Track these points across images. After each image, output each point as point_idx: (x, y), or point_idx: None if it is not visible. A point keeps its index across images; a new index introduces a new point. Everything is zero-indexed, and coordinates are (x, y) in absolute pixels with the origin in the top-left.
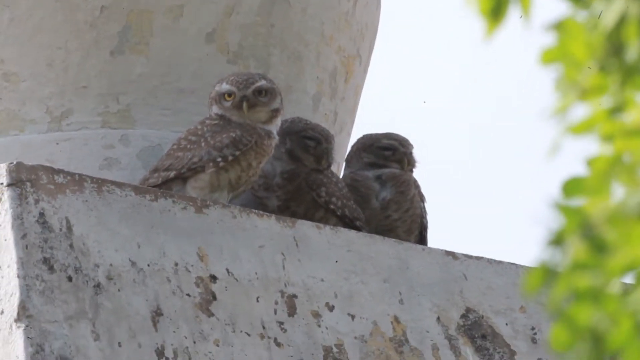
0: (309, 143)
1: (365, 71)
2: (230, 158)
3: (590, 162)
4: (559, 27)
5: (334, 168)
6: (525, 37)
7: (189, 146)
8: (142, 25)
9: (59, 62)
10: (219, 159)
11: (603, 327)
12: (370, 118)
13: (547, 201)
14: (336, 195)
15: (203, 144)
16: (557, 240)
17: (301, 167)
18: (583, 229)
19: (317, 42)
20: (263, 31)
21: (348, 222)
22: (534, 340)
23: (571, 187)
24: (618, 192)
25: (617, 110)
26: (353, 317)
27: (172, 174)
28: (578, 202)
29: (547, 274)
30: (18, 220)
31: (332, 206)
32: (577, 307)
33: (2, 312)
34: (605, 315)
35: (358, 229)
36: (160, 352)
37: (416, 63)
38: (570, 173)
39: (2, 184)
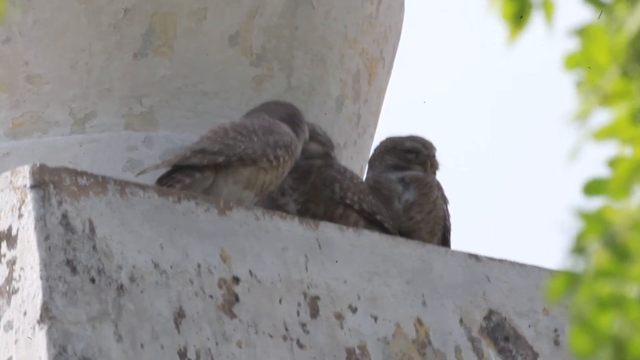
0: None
1: (388, 73)
2: (280, 160)
3: (612, 163)
4: (582, 32)
5: (356, 169)
6: (548, 42)
7: (239, 137)
8: (165, 28)
9: (82, 64)
10: (272, 158)
11: (625, 334)
12: (393, 120)
13: (569, 208)
14: (351, 190)
15: (255, 139)
16: (579, 248)
17: (309, 162)
18: (605, 236)
19: (341, 45)
20: (286, 33)
21: (368, 217)
22: (556, 343)
23: (592, 187)
24: (639, 194)
25: (639, 115)
26: (376, 318)
27: (221, 158)
28: (599, 202)
29: (570, 281)
30: (41, 221)
31: (348, 201)
32: (599, 314)
33: (25, 314)
34: (627, 322)
35: (380, 223)
36: (182, 354)
37: (436, 67)
38: (591, 174)
39: (25, 185)
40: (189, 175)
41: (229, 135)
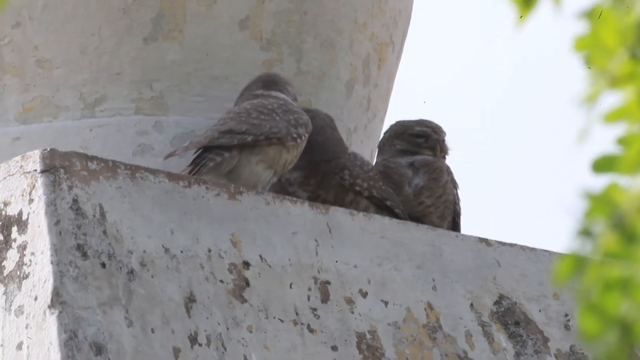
0: None
1: (398, 58)
2: (303, 137)
3: (623, 141)
4: (591, 14)
5: (366, 154)
6: (556, 24)
7: (262, 117)
8: (175, 12)
9: (92, 48)
10: (295, 136)
11: (631, 316)
12: (403, 104)
13: (577, 190)
14: (361, 177)
15: (277, 118)
16: (587, 230)
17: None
18: (613, 219)
19: (351, 29)
20: (296, 18)
21: (378, 203)
22: (567, 327)
23: (602, 164)
24: None
25: None
26: (386, 303)
27: (249, 138)
28: (607, 180)
29: (577, 263)
30: (51, 206)
31: (357, 188)
32: (606, 296)
33: (36, 299)
34: (634, 305)
35: (391, 209)
36: (193, 339)
37: (445, 51)
38: (601, 151)
39: (35, 170)
40: (219, 154)
41: (252, 115)
